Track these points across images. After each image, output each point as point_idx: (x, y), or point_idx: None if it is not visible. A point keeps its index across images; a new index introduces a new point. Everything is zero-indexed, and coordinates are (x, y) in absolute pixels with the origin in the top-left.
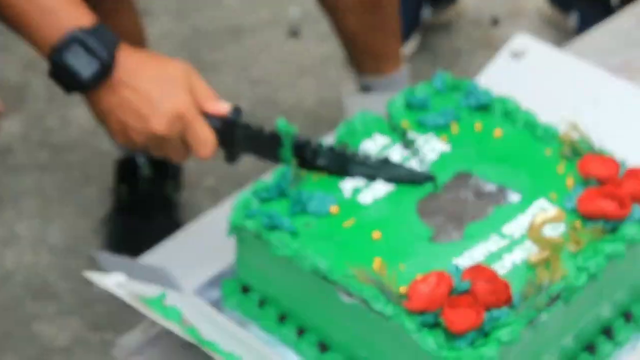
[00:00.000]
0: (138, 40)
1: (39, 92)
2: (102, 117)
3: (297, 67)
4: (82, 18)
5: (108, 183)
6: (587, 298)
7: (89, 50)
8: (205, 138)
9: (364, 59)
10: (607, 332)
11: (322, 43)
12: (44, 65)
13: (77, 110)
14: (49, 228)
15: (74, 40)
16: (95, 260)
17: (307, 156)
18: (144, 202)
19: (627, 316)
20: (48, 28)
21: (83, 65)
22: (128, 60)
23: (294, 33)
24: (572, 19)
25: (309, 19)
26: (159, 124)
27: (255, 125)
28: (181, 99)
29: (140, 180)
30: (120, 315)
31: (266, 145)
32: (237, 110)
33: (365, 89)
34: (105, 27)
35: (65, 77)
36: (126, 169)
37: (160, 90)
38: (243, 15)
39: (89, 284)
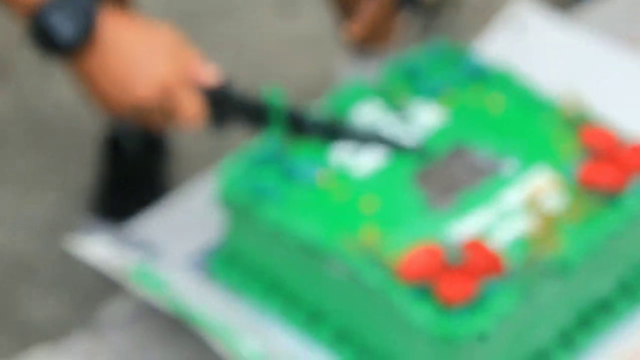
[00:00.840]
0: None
1: (22, 69)
2: (83, 83)
3: (290, 44)
4: None
5: (92, 161)
6: (585, 271)
7: (70, 10)
8: (193, 109)
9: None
10: (605, 306)
11: (315, 19)
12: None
13: (61, 88)
14: (30, 206)
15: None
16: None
17: (295, 126)
18: (131, 180)
19: (626, 290)
20: None
21: (64, 26)
22: (112, 23)
23: (284, 9)
24: None
25: None
26: (143, 93)
27: (245, 95)
28: (167, 67)
29: (127, 159)
30: (103, 292)
31: (255, 115)
32: (227, 79)
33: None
34: None
35: (44, 38)
36: (111, 148)
37: (145, 57)
38: None
39: (71, 262)
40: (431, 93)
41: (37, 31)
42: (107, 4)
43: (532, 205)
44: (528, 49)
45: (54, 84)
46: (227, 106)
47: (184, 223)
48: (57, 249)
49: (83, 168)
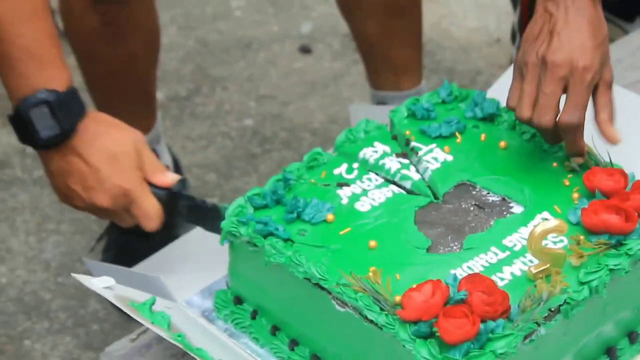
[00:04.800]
0: (151, 34)
1: None
2: (49, 175)
3: (307, 84)
4: (59, 80)
5: None
6: (588, 314)
7: (54, 114)
8: (150, 212)
9: (383, 71)
10: (610, 352)
11: (334, 60)
12: None
13: None
14: (43, 244)
15: (44, 101)
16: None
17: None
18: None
19: (631, 336)
20: (24, 78)
21: (44, 126)
22: (86, 131)
23: (305, 49)
24: None
25: (321, 34)
26: (103, 199)
27: (197, 198)
28: (128, 176)
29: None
30: (114, 334)
31: (207, 216)
32: (182, 182)
33: (382, 104)
34: (76, 93)
35: (23, 129)
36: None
37: (109, 167)
38: (253, 29)
39: (83, 301)
40: (441, 135)
41: (18, 120)
42: (136, 35)
43: (536, 246)
44: None
45: None
46: (181, 208)
47: (193, 264)
48: (68, 289)
49: None
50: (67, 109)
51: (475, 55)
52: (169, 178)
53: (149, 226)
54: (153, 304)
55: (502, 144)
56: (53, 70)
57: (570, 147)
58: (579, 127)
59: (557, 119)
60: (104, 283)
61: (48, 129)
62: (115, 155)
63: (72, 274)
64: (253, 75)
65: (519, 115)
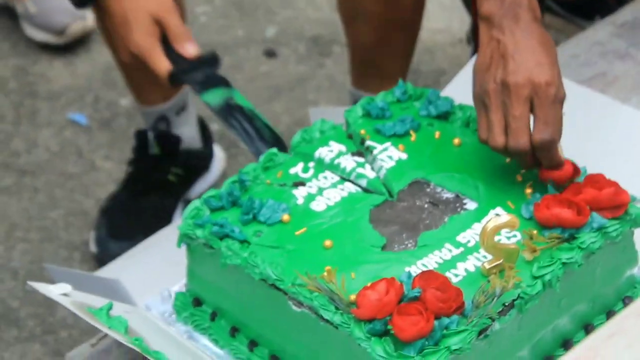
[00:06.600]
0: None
1: (5, 114)
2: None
3: (273, 88)
4: None
5: (74, 207)
6: (543, 308)
7: None
8: (157, 71)
9: (370, 76)
10: (566, 345)
11: (299, 63)
12: (10, 86)
13: (44, 133)
14: (11, 252)
15: None
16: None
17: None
18: (143, 181)
19: (587, 329)
20: None
21: None
22: None
23: (270, 53)
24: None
25: (286, 38)
26: (123, 54)
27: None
28: (137, 40)
29: (147, 157)
30: (82, 340)
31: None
32: (202, 58)
33: None
34: None
35: None
36: (138, 140)
37: (122, 29)
38: (218, 34)
39: (51, 309)
40: (395, 134)
41: None
42: None
43: (488, 242)
44: None
45: (38, 129)
46: (190, 80)
47: (155, 267)
48: (37, 298)
49: (66, 214)
50: None
51: (439, 55)
52: (187, 49)
53: (161, 81)
54: (110, 308)
55: (456, 141)
56: None
57: (548, 163)
58: (553, 143)
59: (532, 139)
60: (61, 290)
61: None
62: (128, 21)
63: (28, 282)
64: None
65: (493, 144)
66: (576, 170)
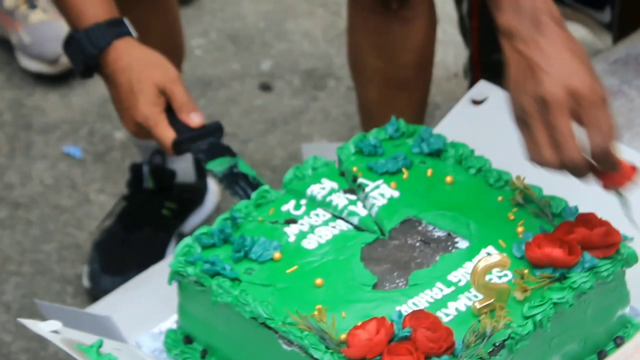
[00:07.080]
0: (170, 44)
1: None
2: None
3: (268, 121)
4: (88, 16)
5: (67, 240)
6: (533, 348)
7: (80, 49)
8: (162, 141)
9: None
10: None
11: (294, 97)
12: (5, 118)
13: (37, 166)
14: (4, 286)
15: (71, 38)
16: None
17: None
18: (137, 215)
19: None
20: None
21: (75, 61)
22: (115, 62)
23: (265, 86)
24: None
25: (281, 72)
26: (128, 124)
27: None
28: (142, 110)
29: (142, 191)
30: None
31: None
32: (206, 128)
33: None
34: (104, 24)
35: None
36: (133, 174)
37: (128, 99)
38: (213, 68)
39: (43, 343)
40: (387, 171)
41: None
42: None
43: (479, 281)
44: (489, 126)
45: (32, 162)
46: (193, 149)
47: (146, 304)
48: (30, 332)
49: (60, 247)
50: (93, 41)
51: (433, 90)
52: (192, 119)
53: (167, 152)
54: (100, 346)
55: (449, 179)
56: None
57: (606, 167)
58: (609, 149)
59: (589, 149)
60: (51, 327)
61: (79, 64)
62: (134, 92)
63: (18, 319)
64: (213, 113)
65: (546, 163)
66: (633, 168)
